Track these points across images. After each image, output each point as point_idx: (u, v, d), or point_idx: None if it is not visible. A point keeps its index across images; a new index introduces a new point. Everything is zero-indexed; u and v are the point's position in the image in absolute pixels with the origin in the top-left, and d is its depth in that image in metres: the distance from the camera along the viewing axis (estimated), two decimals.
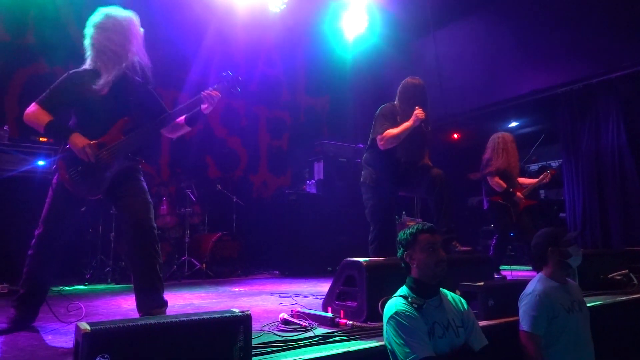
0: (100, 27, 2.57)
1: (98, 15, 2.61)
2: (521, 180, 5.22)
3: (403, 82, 3.76)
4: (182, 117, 2.83)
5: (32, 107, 2.53)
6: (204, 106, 2.72)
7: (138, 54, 2.68)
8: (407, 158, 3.67)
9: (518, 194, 4.92)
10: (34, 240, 2.54)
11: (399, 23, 7.95)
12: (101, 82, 2.53)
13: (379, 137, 3.56)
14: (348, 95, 8.73)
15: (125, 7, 2.69)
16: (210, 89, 2.74)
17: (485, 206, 5.21)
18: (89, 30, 2.60)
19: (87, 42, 2.61)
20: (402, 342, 1.86)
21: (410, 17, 7.77)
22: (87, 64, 2.61)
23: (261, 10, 7.53)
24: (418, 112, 3.48)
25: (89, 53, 2.60)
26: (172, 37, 6.88)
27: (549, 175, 5.11)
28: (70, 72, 2.61)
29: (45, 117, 2.49)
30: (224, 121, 7.68)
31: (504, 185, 4.91)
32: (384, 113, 3.67)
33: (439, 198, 3.51)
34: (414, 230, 2.09)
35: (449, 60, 7.96)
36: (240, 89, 2.84)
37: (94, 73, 2.57)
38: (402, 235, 2.14)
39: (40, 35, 5.83)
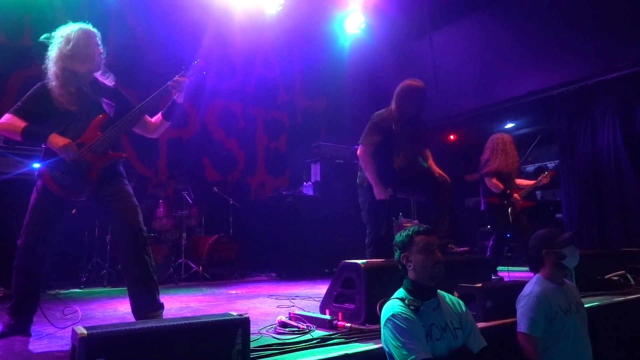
0: (66, 41, 2.57)
1: (63, 31, 2.61)
2: (519, 181, 5.23)
3: (404, 84, 3.69)
4: (159, 115, 2.87)
5: (6, 117, 2.51)
6: (175, 95, 2.78)
7: (103, 63, 2.73)
8: (403, 164, 3.67)
9: (515, 195, 4.93)
10: (17, 251, 2.51)
11: (395, 24, 7.97)
12: (72, 89, 2.55)
13: (361, 147, 3.60)
14: (345, 96, 8.73)
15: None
16: (176, 76, 2.80)
17: (483, 207, 5.21)
18: (56, 45, 2.60)
19: (54, 54, 2.59)
20: (399, 344, 1.86)
21: (407, 18, 7.79)
22: (56, 75, 2.57)
23: (258, 13, 7.54)
24: (386, 194, 3.53)
25: (58, 65, 2.57)
26: (170, 39, 6.89)
27: (547, 177, 5.11)
28: (41, 82, 2.61)
29: (20, 124, 2.47)
30: (222, 123, 7.67)
31: (502, 186, 4.91)
32: (377, 123, 3.66)
33: (442, 205, 3.52)
34: (410, 232, 2.09)
35: (445, 62, 7.97)
36: (205, 72, 2.94)
37: (64, 82, 2.56)
38: (398, 237, 2.13)
39: (38, 37, 5.80)
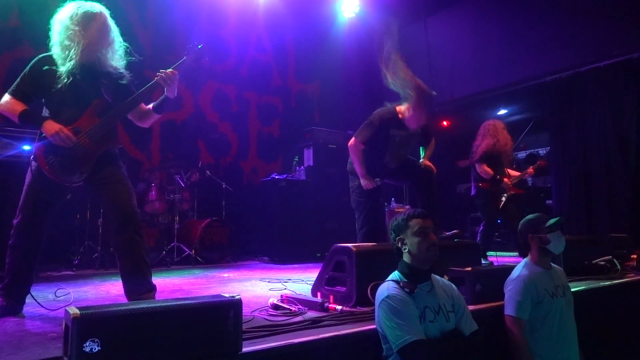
0: (75, 19, 2.49)
1: (72, 8, 2.53)
2: (510, 172, 5.26)
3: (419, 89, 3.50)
4: (150, 106, 2.78)
5: (5, 98, 2.49)
6: (166, 90, 2.67)
7: (111, 45, 2.62)
8: (392, 164, 3.70)
9: (505, 180, 4.97)
10: (12, 230, 2.51)
11: (390, 8, 7.91)
12: (71, 67, 2.48)
13: (353, 140, 3.62)
14: (338, 80, 8.68)
15: None
16: (170, 69, 2.67)
17: (473, 192, 5.26)
18: (62, 20, 2.52)
19: (60, 29, 2.51)
20: (393, 325, 1.89)
21: (402, 3, 7.73)
22: (58, 50, 2.51)
23: None
24: (372, 184, 3.57)
25: (61, 39, 2.50)
26: (162, 21, 6.81)
27: (532, 170, 5.17)
28: (39, 56, 2.56)
29: (18, 107, 2.45)
30: (216, 106, 7.60)
31: (492, 172, 4.95)
32: (374, 122, 3.60)
33: (427, 194, 3.56)
34: (406, 216, 2.11)
35: (439, 48, 7.95)
36: (208, 58, 2.78)
37: (64, 59, 2.49)
38: (394, 221, 2.15)
39: (25, 19, 5.71)
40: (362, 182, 3.59)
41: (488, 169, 4.95)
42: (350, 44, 8.53)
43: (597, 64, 6.21)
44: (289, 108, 8.55)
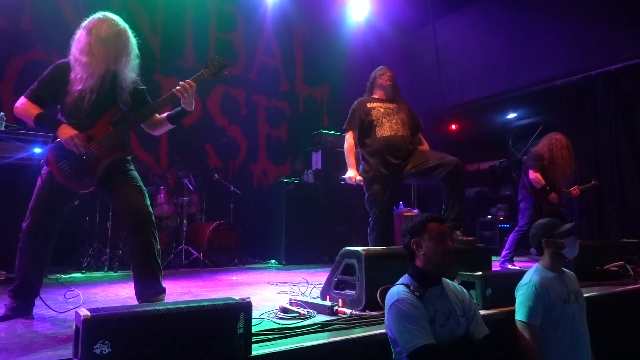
0: (95, 33, 2.50)
1: (94, 21, 2.54)
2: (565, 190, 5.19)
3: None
4: (165, 115, 2.76)
5: (21, 101, 2.52)
6: (184, 103, 2.65)
7: (129, 57, 2.62)
8: (389, 131, 3.75)
9: (553, 194, 4.90)
10: (22, 233, 2.52)
11: (399, 12, 7.91)
12: (88, 75, 2.48)
13: (347, 134, 3.88)
14: (348, 84, 8.68)
15: None
16: (188, 80, 2.64)
17: (520, 197, 5.17)
18: (83, 32, 2.53)
19: (80, 43, 2.51)
20: (403, 329, 1.87)
21: (411, 6, 7.73)
22: (77, 60, 2.51)
23: None
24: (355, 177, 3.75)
25: (80, 51, 2.50)
26: (173, 26, 6.86)
27: (578, 191, 5.15)
28: (58, 62, 2.58)
29: (34, 110, 2.48)
30: (225, 110, 7.62)
31: (543, 182, 4.85)
32: (355, 108, 3.93)
33: (454, 186, 3.48)
34: (424, 219, 2.06)
35: (448, 51, 7.93)
36: (227, 72, 2.79)
37: (83, 69, 2.49)
38: (409, 223, 2.11)
39: (37, 22, 5.76)
40: (354, 179, 3.72)
41: (540, 178, 4.85)
42: (358, 47, 8.53)
43: (608, 68, 6.17)
44: (297, 111, 8.56)
